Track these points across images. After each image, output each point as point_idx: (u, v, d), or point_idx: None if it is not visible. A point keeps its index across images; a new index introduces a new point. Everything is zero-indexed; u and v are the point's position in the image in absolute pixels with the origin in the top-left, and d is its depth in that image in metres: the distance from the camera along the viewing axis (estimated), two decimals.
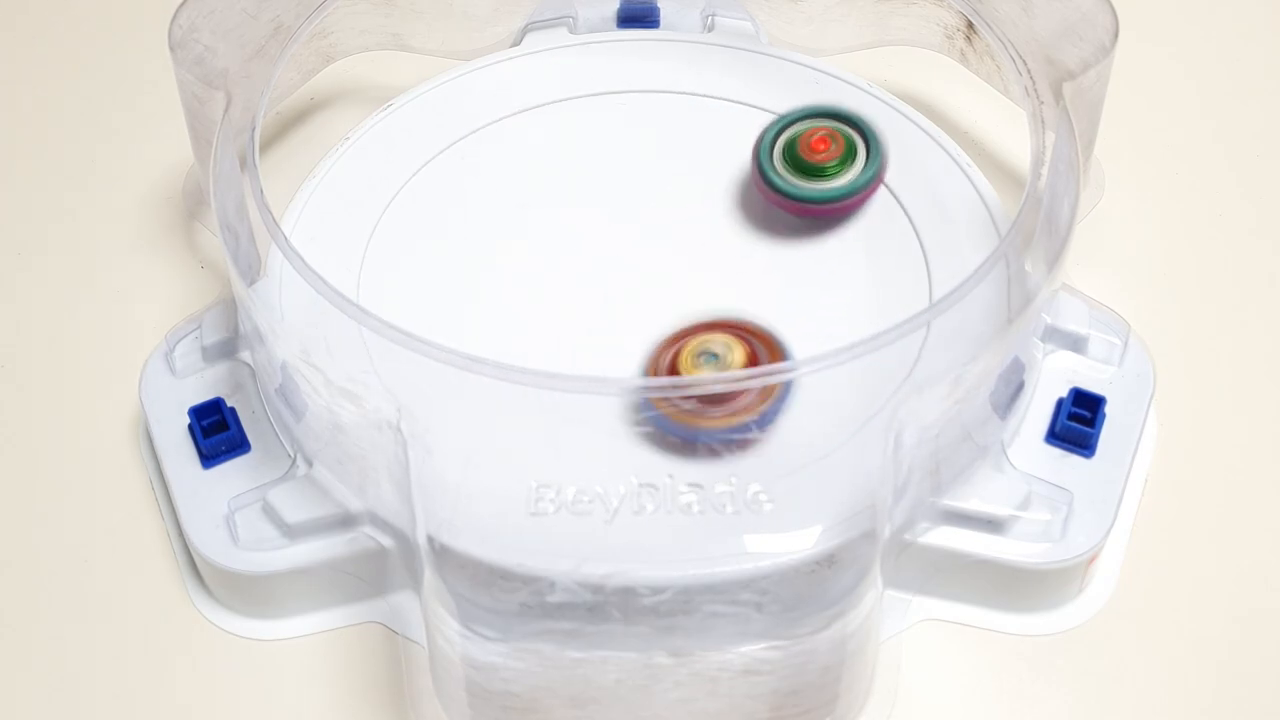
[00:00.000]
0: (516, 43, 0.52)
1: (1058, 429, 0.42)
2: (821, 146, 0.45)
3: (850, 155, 0.45)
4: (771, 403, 0.39)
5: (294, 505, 0.40)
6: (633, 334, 0.43)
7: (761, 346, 0.40)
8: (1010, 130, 0.51)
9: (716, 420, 0.39)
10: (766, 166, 0.45)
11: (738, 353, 0.40)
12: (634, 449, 0.39)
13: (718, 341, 0.40)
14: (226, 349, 0.44)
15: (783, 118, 0.46)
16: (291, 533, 0.40)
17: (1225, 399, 0.46)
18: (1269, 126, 0.53)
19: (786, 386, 0.39)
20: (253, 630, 0.42)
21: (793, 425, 0.40)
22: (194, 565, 0.42)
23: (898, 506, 0.38)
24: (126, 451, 0.45)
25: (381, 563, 0.41)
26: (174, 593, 0.42)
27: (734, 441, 0.39)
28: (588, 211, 0.46)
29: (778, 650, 0.37)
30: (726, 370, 0.39)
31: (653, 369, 0.40)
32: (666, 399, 0.39)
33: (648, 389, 0.39)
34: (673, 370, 0.40)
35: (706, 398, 0.38)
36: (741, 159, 0.48)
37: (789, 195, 0.45)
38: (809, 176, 0.45)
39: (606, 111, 0.49)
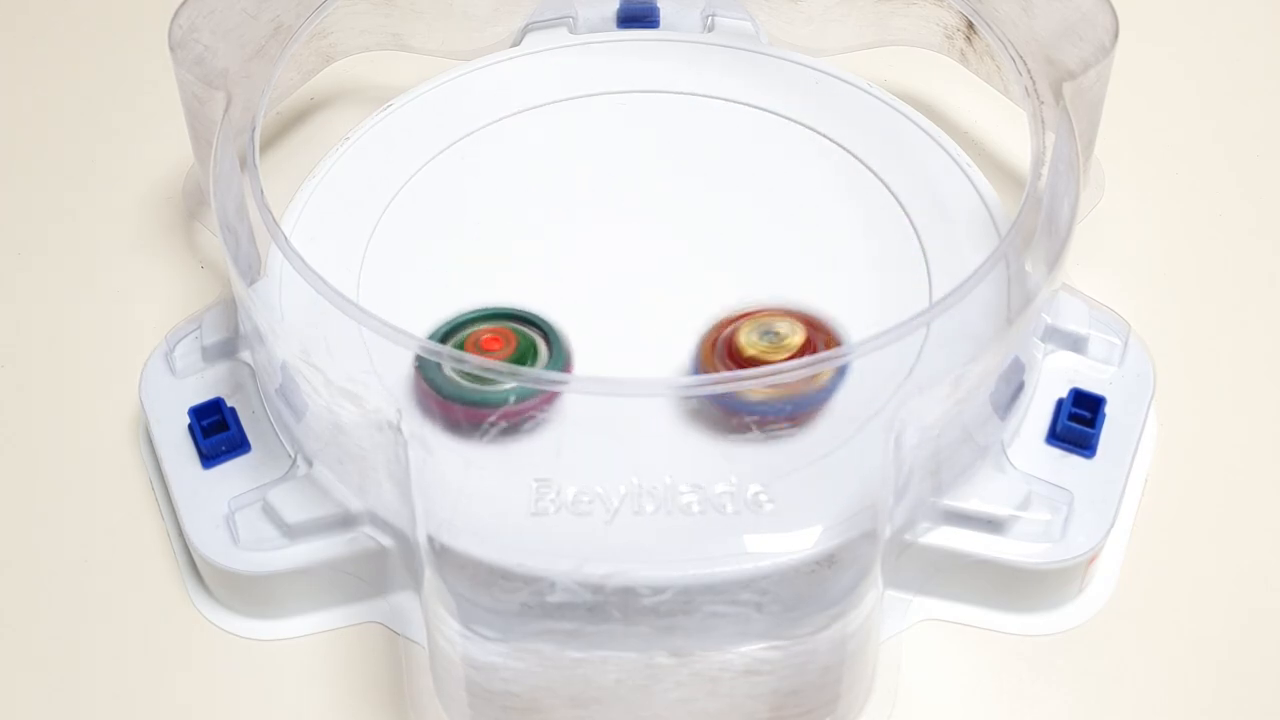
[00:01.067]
0: (516, 43, 0.52)
1: (1058, 429, 0.42)
2: (493, 346, 0.40)
3: (528, 354, 0.40)
4: (816, 390, 0.39)
5: (294, 505, 0.40)
6: (632, 334, 0.43)
7: (820, 335, 0.40)
8: (1010, 130, 0.51)
9: (758, 393, 0.39)
10: (432, 372, 0.39)
11: (799, 335, 0.40)
12: (634, 449, 0.39)
13: (781, 322, 0.40)
14: (226, 349, 0.44)
15: (448, 322, 0.41)
16: (291, 533, 0.40)
17: (1225, 399, 0.46)
18: (1269, 126, 0.53)
19: (838, 375, 0.39)
20: (253, 630, 0.42)
21: (793, 425, 0.40)
22: (194, 565, 0.42)
23: (898, 506, 0.38)
24: (126, 451, 0.45)
25: (381, 563, 0.41)
26: (174, 593, 0.42)
27: (769, 419, 0.39)
28: (587, 212, 0.46)
29: (778, 650, 0.37)
30: (784, 347, 0.39)
31: (711, 341, 0.40)
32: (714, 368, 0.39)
33: (647, 389, 0.39)
34: (731, 341, 0.40)
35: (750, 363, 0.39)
36: (741, 159, 0.48)
37: (457, 399, 0.39)
38: (477, 381, 0.39)
39: (606, 111, 0.49)
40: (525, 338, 0.40)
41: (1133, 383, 0.44)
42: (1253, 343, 0.47)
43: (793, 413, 0.39)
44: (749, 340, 0.40)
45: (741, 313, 0.41)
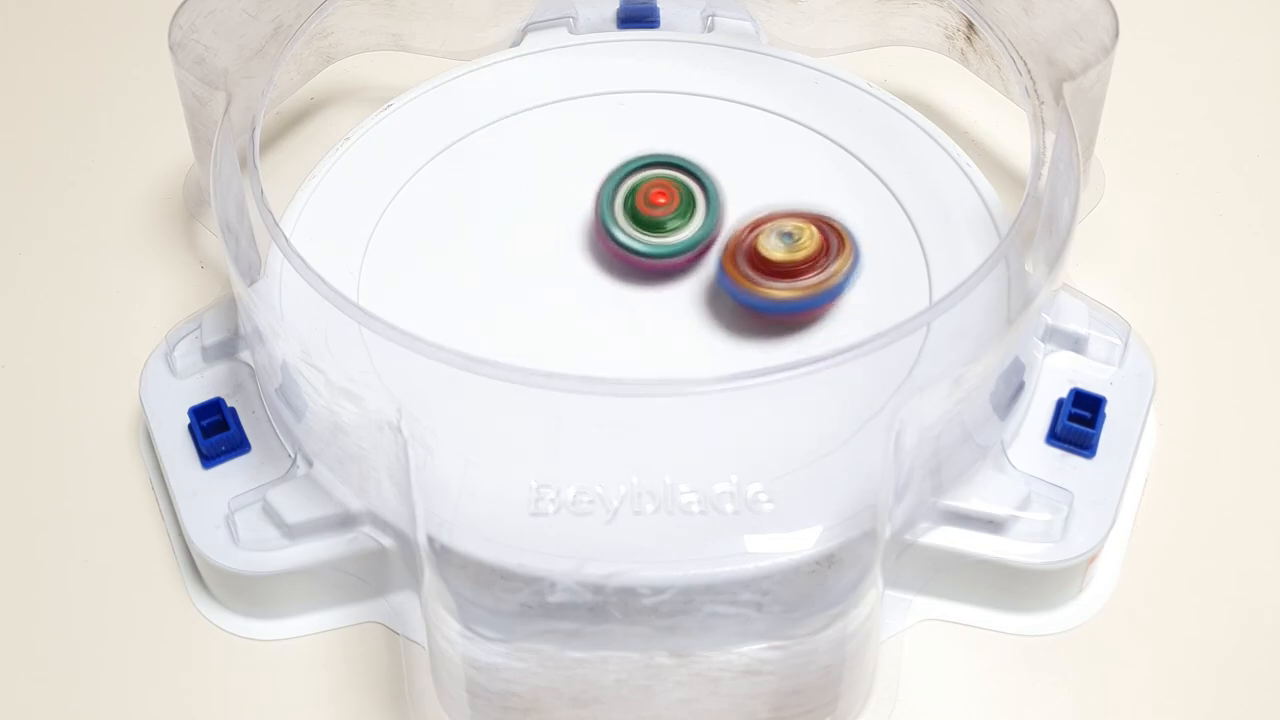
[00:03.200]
0: (516, 43, 0.52)
1: (1058, 429, 0.42)
2: (660, 200, 0.44)
3: (689, 208, 0.44)
4: (837, 281, 0.42)
5: (294, 505, 0.40)
6: (633, 333, 0.43)
7: (833, 234, 0.43)
8: (1010, 130, 0.51)
9: (781, 291, 0.42)
10: (608, 219, 0.44)
11: (813, 237, 0.43)
12: (634, 449, 0.39)
13: (795, 225, 0.43)
14: (226, 349, 0.44)
15: (621, 168, 0.45)
16: (291, 533, 0.40)
17: (1225, 399, 0.46)
18: (1269, 126, 0.53)
19: (853, 266, 0.43)
20: (253, 630, 0.42)
21: (793, 425, 0.40)
22: (194, 565, 0.42)
23: (898, 506, 0.38)
24: (126, 451, 0.45)
25: (382, 563, 0.41)
26: (174, 593, 0.42)
27: (799, 312, 0.43)
28: (588, 211, 0.46)
29: (779, 650, 0.37)
30: (799, 248, 0.42)
31: (733, 245, 0.43)
32: (737, 268, 0.43)
33: (647, 389, 0.39)
34: (752, 246, 0.43)
35: (774, 269, 0.42)
36: (741, 159, 0.48)
37: (631, 251, 0.44)
38: (648, 230, 0.44)
39: (606, 111, 0.49)
40: (686, 189, 0.44)
41: (1133, 383, 0.44)
42: (1253, 343, 0.47)
43: (810, 308, 0.43)
44: (769, 245, 0.42)
45: (753, 221, 0.44)
